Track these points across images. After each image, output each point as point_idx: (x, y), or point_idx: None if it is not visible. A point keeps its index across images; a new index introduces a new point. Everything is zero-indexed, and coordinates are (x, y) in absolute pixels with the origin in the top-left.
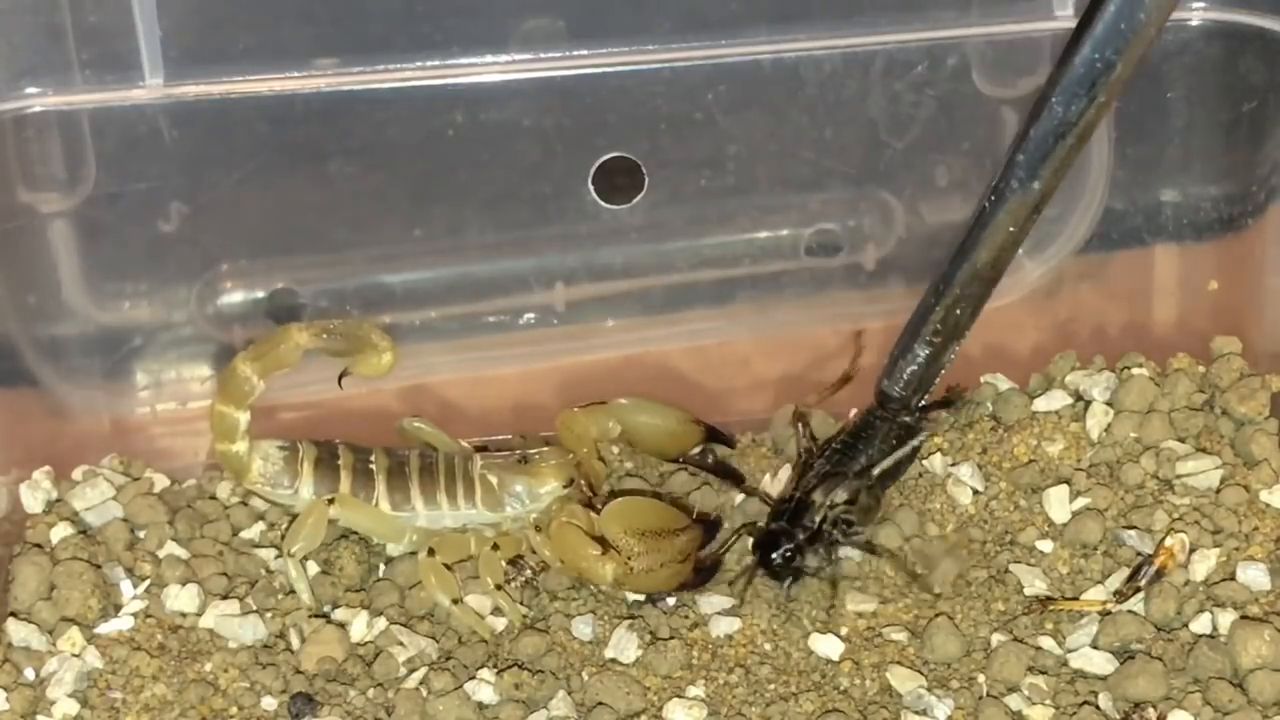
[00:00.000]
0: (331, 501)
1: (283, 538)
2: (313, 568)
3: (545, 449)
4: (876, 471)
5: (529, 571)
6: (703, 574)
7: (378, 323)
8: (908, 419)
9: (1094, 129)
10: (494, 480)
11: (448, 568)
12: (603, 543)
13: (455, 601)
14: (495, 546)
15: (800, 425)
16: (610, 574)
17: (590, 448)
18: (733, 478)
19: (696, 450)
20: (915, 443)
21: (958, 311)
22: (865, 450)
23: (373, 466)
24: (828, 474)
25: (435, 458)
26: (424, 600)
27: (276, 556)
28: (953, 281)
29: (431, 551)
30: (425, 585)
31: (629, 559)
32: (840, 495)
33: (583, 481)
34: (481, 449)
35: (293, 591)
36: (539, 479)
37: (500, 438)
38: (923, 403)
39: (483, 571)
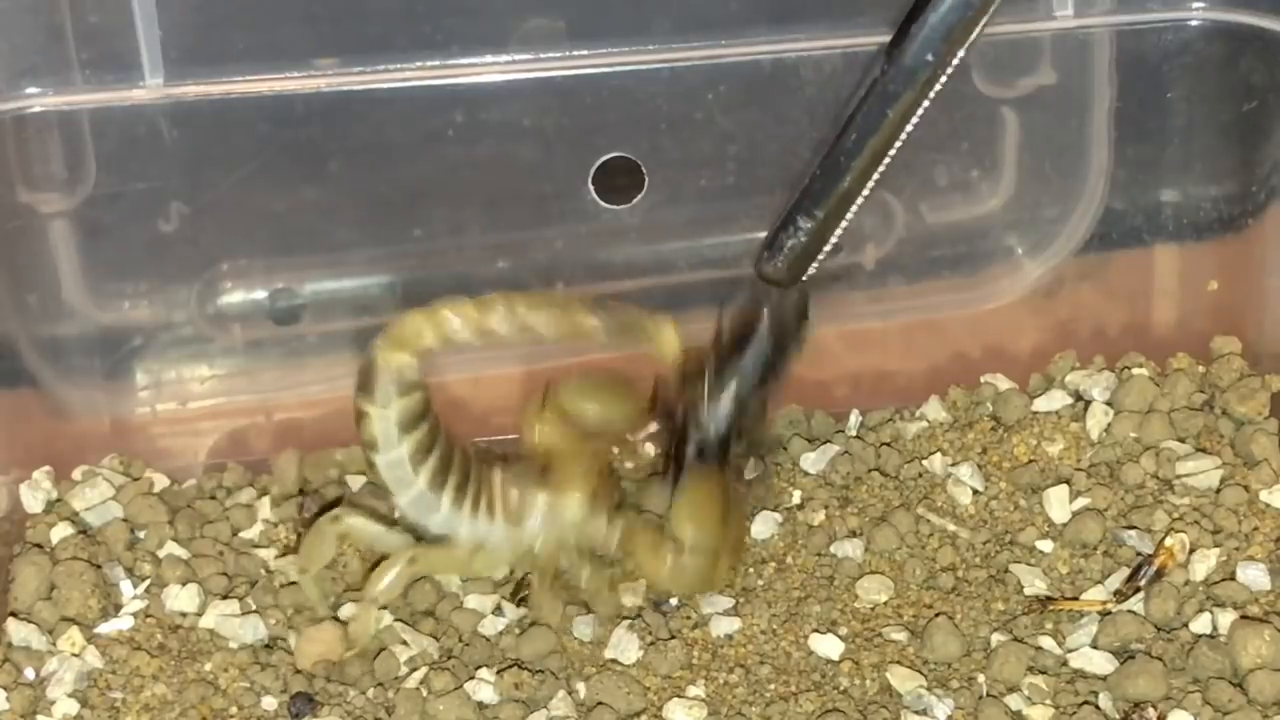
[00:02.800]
0: (337, 519)
1: (294, 551)
2: None
3: (563, 457)
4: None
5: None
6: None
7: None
8: (791, 299)
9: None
10: (515, 494)
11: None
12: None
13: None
14: (539, 575)
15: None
16: (725, 571)
17: (583, 447)
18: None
19: (653, 428)
20: (801, 332)
21: (846, 184)
22: (749, 347)
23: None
24: (712, 388)
25: (481, 468)
26: (426, 596)
27: (278, 556)
28: (848, 152)
29: (413, 560)
30: (367, 582)
31: (733, 548)
32: (726, 407)
33: (605, 486)
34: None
35: (293, 583)
36: (561, 494)
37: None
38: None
39: (541, 597)
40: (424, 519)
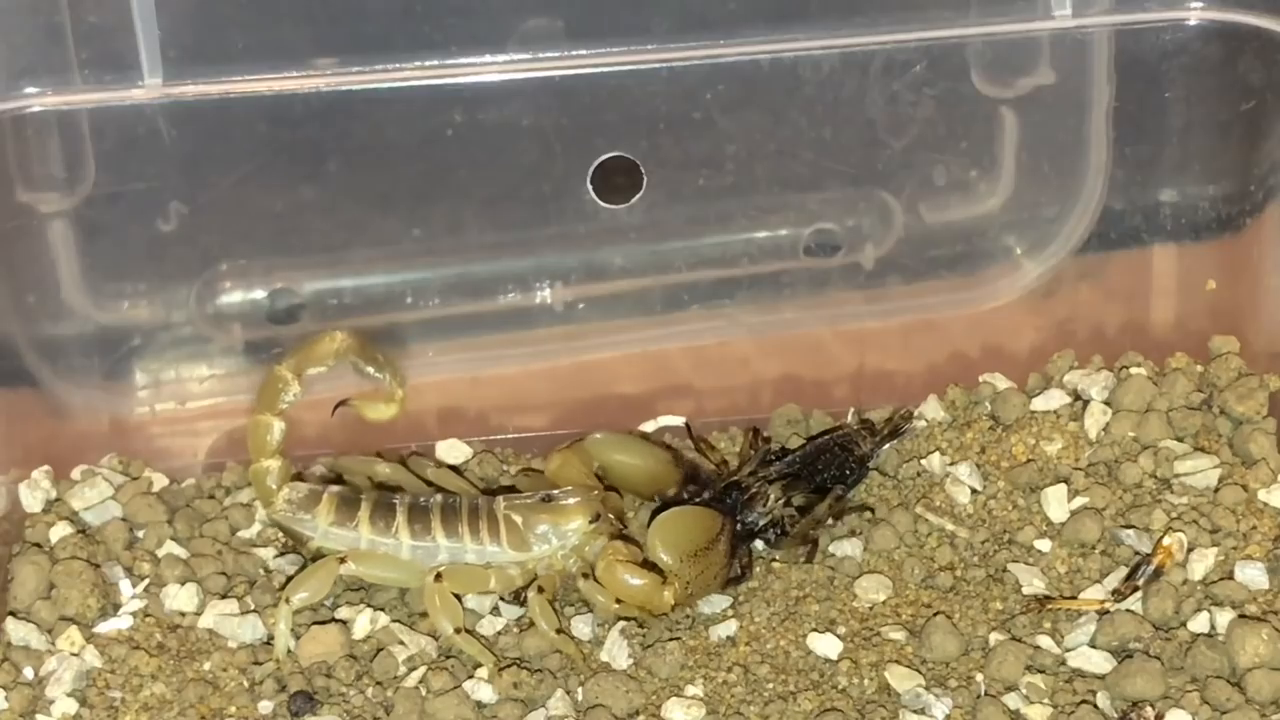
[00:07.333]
0: (344, 560)
1: (285, 585)
2: None
3: (567, 487)
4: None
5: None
6: (746, 571)
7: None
8: (866, 451)
9: None
10: (518, 520)
11: (456, 597)
12: (654, 568)
13: (457, 630)
14: (541, 589)
15: (755, 434)
16: (670, 600)
17: (593, 482)
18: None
19: (673, 491)
20: (862, 475)
21: None
22: (825, 468)
23: (395, 501)
24: (789, 476)
25: (459, 499)
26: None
27: (276, 556)
28: None
29: (438, 577)
30: (429, 611)
31: (687, 583)
32: (796, 500)
33: (610, 515)
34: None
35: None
36: (564, 516)
37: (501, 437)
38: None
39: (539, 619)
40: (430, 562)
